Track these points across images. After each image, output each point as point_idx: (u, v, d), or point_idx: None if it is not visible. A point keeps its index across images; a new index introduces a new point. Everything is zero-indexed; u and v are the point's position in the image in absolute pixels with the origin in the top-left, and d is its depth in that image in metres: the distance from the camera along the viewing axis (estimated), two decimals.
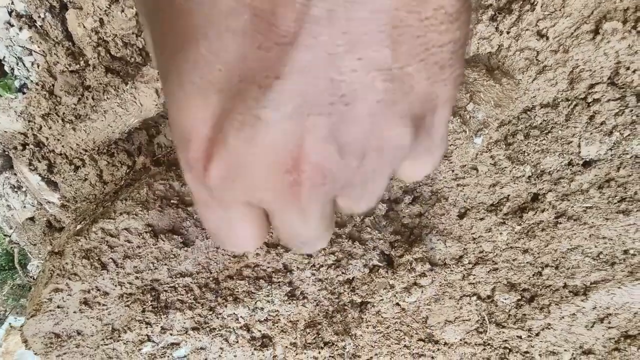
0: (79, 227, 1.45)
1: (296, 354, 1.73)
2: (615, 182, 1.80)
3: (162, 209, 1.34)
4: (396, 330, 2.13)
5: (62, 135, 1.63)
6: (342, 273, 1.52)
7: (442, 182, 1.68)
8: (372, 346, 2.26)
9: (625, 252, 2.00)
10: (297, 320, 1.65)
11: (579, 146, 1.71)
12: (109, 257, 1.32)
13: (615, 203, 1.83)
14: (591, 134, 1.68)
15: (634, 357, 2.09)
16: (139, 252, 1.33)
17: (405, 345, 2.22)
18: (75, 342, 1.43)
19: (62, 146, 1.70)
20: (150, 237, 1.33)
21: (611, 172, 1.77)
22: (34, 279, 3.25)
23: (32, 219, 2.45)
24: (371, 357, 2.34)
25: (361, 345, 2.27)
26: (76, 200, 1.94)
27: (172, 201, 1.39)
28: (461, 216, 1.82)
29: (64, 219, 2.19)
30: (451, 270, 1.88)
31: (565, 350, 2.12)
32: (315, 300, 1.62)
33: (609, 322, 2.10)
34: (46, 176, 1.92)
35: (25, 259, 3.79)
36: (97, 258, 1.31)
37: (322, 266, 1.49)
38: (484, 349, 2.15)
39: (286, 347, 1.71)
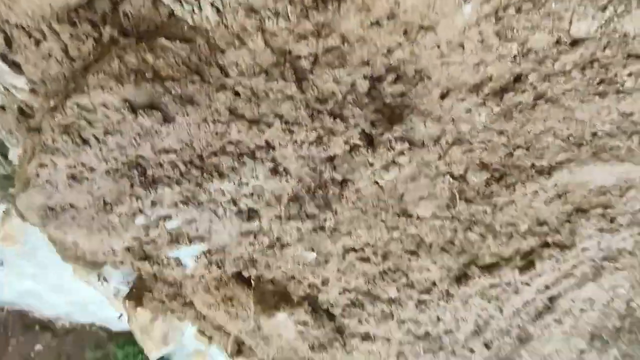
0: (52, 103, 1.40)
1: (280, 225, 1.89)
2: (599, 63, 1.79)
3: (137, 83, 1.29)
4: (374, 206, 2.29)
5: (13, 1, 1.47)
6: (324, 150, 1.57)
7: (427, 60, 1.63)
8: (350, 221, 2.46)
9: (594, 134, 2.10)
10: (281, 195, 1.76)
11: (570, 22, 1.64)
12: (90, 133, 1.31)
13: (594, 85, 1.84)
14: (585, 8, 1.61)
15: (581, 227, 2.35)
16: (120, 128, 1.32)
17: (381, 220, 2.41)
18: (70, 215, 1.50)
19: (16, 15, 1.54)
20: (129, 113, 1.31)
21: (597, 52, 1.75)
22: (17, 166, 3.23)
23: (2, 107, 2.33)
24: (350, 231, 2.56)
25: (341, 220, 2.46)
26: (45, 83, 1.84)
27: (147, 75, 1.33)
28: (443, 96, 1.82)
29: (35, 105, 2.10)
30: (428, 150, 1.96)
31: (523, 222, 2.35)
32: (297, 177, 1.70)
33: (566, 198, 2.30)
34: (6, 55, 1.78)
35: (3, 148, 3.72)
36: (77, 134, 1.30)
37: (304, 143, 1.52)
38: (452, 222, 2.37)
39: (271, 219, 1.85)
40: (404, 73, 1.62)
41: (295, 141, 1.45)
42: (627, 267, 3.07)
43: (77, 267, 6.88)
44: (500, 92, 1.81)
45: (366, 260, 2.88)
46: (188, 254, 1.92)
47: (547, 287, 3.26)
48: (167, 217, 1.56)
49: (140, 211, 1.51)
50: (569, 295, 3.35)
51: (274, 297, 3.33)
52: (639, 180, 2.25)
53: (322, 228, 2.65)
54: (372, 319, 3.21)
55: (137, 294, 6.38)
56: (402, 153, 1.69)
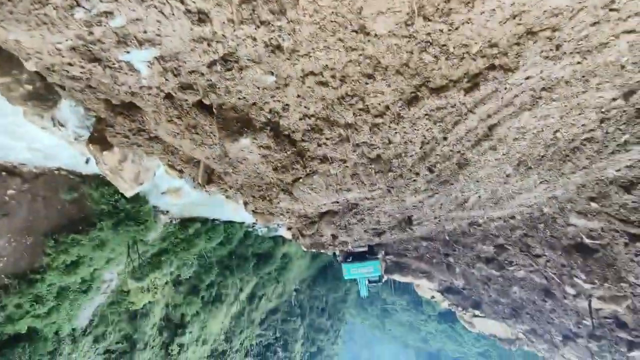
0: None
1: (234, 31, 1.83)
2: None
3: None
4: (332, 21, 2.24)
5: None
6: None
7: None
8: (309, 41, 2.42)
9: None
10: None
11: None
12: None
13: None
14: None
15: (527, 50, 2.45)
16: None
17: (339, 39, 2.39)
18: (7, 9, 1.38)
19: None
20: None
21: None
22: None
23: None
24: (309, 52, 2.55)
25: (300, 41, 2.43)
26: None
27: None
28: None
29: None
30: None
31: (475, 43, 2.41)
32: None
33: (520, 19, 2.34)
34: None
35: None
36: None
37: None
38: (409, 41, 2.39)
39: (223, 23, 1.78)
40: None
41: None
42: (561, 97, 3.34)
43: (28, 109, 6.59)
44: None
45: (325, 84, 2.94)
46: (140, 58, 1.87)
47: (489, 116, 3.56)
48: (109, 14, 1.48)
49: (77, 3, 1.41)
50: (506, 124, 3.70)
51: (236, 123, 3.45)
52: (592, 2, 2.27)
53: (280, 48, 2.60)
54: (330, 142, 3.47)
55: (99, 137, 6.38)
56: None
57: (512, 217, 6.02)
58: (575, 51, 2.66)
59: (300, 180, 3.93)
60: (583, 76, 3.00)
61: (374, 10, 2.11)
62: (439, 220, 6.18)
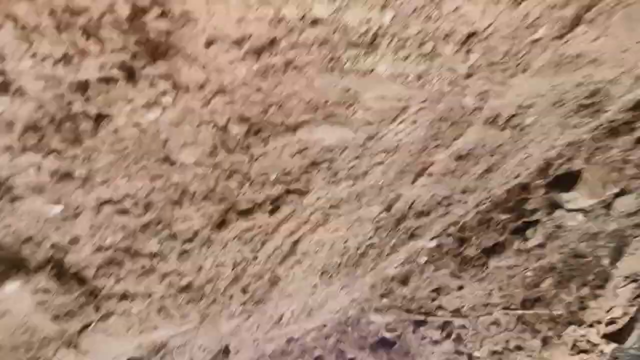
0: None
1: (11, 160, 1.56)
2: (330, 43, 2.30)
3: None
4: (135, 151, 2.21)
5: None
6: (75, 72, 1.39)
7: (194, 3, 1.71)
8: (108, 169, 2.29)
9: (326, 102, 2.66)
10: (13, 122, 1.46)
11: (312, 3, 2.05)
12: None
13: (327, 61, 2.36)
14: None
15: (314, 178, 2.93)
16: None
17: (143, 166, 2.35)
18: None
19: None
20: None
21: (329, 33, 2.24)
22: None
23: None
24: (107, 180, 2.38)
25: (96, 168, 2.26)
26: None
27: None
28: (208, 45, 1.94)
29: None
30: (193, 96, 2.04)
31: (273, 171, 2.77)
32: (37, 100, 1.45)
33: (305, 154, 2.83)
34: None
35: None
36: None
37: (47, 58, 1.31)
38: (214, 171, 2.55)
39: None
40: (170, 11, 1.64)
41: (35, 54, 1.25)
42: (345, 213, 4.09)
43: None
44: (258, 51, 2.05)
45: (125, 212, 2.71)
46: None
47: (291, 233, 3.96)
48: None
49: None
50: (307, 239, 4.18)
51: (0, 266, 2.69)
52: (352, 143, 3.03)
53: (71, 175, 2.33)
54: (132, 276, 3.07)
55: None
56: (165, 93, 1.71)
57: (325, 326, 6.37)
58: (347, 177, 3.39)
59: (92, 326, 3.22)
60: (356, 196, 3.78)
61: (179, 142, 2.21)
62: (258, 344, 5.94)
